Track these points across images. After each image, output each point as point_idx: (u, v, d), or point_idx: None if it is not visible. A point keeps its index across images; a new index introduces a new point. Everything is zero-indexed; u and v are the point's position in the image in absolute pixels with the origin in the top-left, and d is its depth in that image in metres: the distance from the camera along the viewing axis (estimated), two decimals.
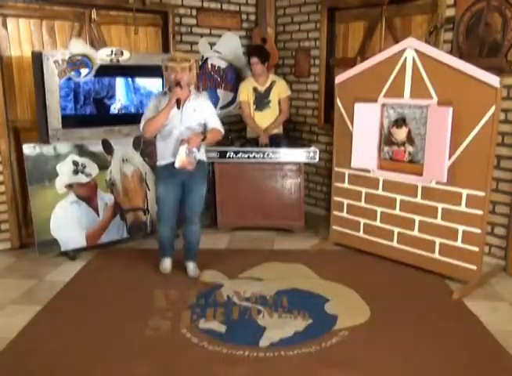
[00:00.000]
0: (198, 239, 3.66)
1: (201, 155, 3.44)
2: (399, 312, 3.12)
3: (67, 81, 3.81)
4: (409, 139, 3.64)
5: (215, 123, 3.44)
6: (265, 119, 4.70)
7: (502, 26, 3.54)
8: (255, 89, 4.66)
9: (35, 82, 3.75)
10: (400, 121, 3.67)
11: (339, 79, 4.02)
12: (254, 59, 4.53)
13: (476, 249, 3.39)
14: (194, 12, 4.95)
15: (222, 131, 3.49)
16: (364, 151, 3.86)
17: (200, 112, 3.38)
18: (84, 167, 3.99)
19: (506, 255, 3.74)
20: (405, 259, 3.78)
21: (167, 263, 3.68)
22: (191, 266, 3.65)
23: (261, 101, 4.69)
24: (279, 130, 4.82)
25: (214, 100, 5.25)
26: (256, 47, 4.88)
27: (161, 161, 3.44)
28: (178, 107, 3.23)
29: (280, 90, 4.69)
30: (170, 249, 3.70)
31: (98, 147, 4.05)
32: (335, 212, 4.25)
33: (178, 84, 3.21)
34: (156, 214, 3.72)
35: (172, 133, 3.33)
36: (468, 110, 3.26)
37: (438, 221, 3.55)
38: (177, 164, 3.27)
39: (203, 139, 3.31)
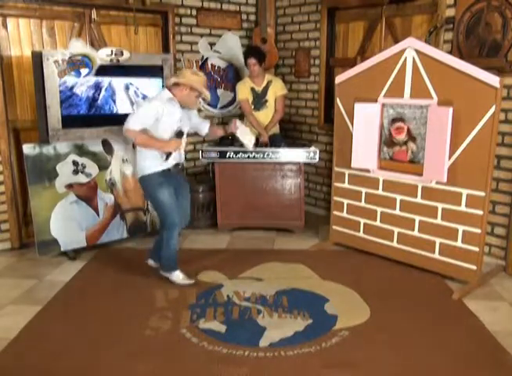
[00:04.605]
0: None
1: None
2: (399, 312, 3.12)
3: (67, 82, 3.81)
4: (411, 137, 3.63)
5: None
6: (263, 119, 4.70)
7: (502, 26, 3.54)
8: (252, 89, 4.66)
9: (35, 82, 3.75)
10: (398, 121, 3.66)
11: (339, 79, 4.02)
12: (252, 60, 4.53)
13: (476, 249, 3.38)
14: (194, 12, 4.95)
15: None
16: (364, 151, 3.86)
17: None
18: (84, 167, 4.00)
19: (506, 255, 3.74)
20: (405, 259, 3.78)
21: (182, 273, 3.52)
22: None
23: (259, 101, 4.69)
24: (276, 129, 4.83)
25: (214, 100, 5.27)
26: (253, 48, 4.87)
27: (158, 168, 3.30)
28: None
29: (277, 89, 4.69)
30: None
31: (98, 147, 4.05)
32: (335, 212, 4.25)
33: (181, 134, 3.29)
34: (164, 226, 3.45)
35: (183, 132, 3.34)
36: (468, 110, 3.26)
37: (438, 221, 3.55)
38: (252, 143, 3.66)
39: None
